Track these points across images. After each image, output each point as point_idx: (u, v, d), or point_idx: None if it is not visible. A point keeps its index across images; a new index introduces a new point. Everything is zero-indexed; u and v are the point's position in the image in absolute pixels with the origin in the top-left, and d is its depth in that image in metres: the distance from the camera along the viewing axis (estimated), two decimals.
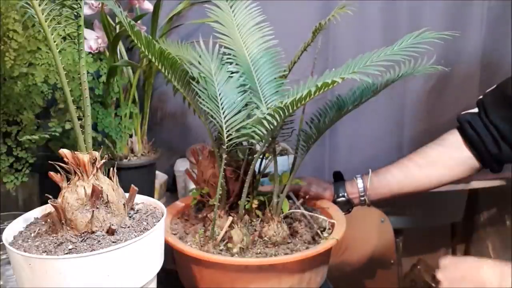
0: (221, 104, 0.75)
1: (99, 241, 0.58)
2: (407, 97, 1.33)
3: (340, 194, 1.01)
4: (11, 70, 0.82)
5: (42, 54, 0.85)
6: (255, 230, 0.82)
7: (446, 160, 0.98)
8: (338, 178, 1.05)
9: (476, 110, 0.96)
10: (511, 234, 1.47)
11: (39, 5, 0.57)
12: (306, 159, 0.84)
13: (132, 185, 0.65)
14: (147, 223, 0.63)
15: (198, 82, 0.77)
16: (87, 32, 0.93)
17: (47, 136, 0.84)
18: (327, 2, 1.19)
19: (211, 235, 0.78)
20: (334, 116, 0.82)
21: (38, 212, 0.66)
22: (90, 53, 0.93)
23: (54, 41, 0.58)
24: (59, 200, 0.59)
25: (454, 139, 0.98)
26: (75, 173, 0.60)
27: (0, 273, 0.79)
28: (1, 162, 0.84)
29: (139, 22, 1.00)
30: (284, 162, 0.95)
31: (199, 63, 0.78)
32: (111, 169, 0.64)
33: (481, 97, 0.96)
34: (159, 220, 0.64)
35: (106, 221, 0.60)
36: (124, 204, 0.63)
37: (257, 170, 0.85)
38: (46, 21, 0.58)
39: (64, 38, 0.70)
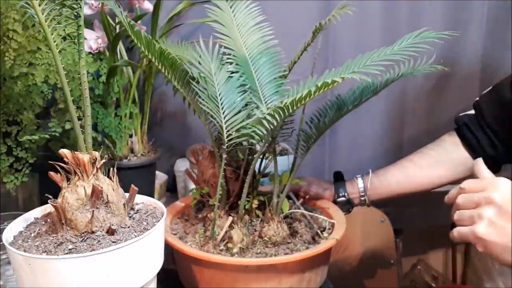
0: (221, 104, 0.75)
1: (99, 241, 0.58)
2: (407, 97, 1.33)
3: (341, 194, 1.01)
4: (11, 70, 0.82)
5: (42, 54, 0.85)
6: (255, 230, 0.82)
7: (445, 161, 0.98)
8: (339, 178, 1.05)
9: (472, 112, 0.96)
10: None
11: (39, 5, 0.57)
12: (306, 159, 0.83)
13: (132, 185, 0.65)
14: (147, 223, 0.63)
15: (198, 82, 0.77)
16: (87, 32, 0.93)
17: (47, 136, 0.84)
18: (327, 2, 1.19)
19: (211, 235, 0.78)
20: (334, 116, 0.82)
21: (38, 212, 0.66)
22: (90, 53, 0.93)
23: (54, 41, 0.58)
24: (59, 200, 0.59)
25: (453, 140, 0.98)
26: (75, 173, 0.60)
27: (0, 273, 0.79)
28: (1, 162, 0.84)
29: (139, 22, 1.00)
30: (284, 162, 0.95)
31: (199, 63, 0.78)
32: (111, 169, 0.63)
33: (477, 99, 0.96)
34: (159, 220, 0.64)
35: (106, 221, 0.60)
36: (124, 204, 0.63)
37: (257, 170, 0.85)
38: (46, 21, 0.57)
39: (64, 38, 0.70)
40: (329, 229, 0.83)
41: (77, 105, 0.68)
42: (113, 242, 0.58)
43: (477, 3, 1.29)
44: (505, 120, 0.90)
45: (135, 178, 0.99)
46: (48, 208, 0.65)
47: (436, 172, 0.99)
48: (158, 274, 0.64)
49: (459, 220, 0.69)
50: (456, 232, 0.69)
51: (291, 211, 0.85)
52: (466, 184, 0.70)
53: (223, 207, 0.81)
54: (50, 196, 0.59)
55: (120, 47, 1.01)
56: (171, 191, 1.23)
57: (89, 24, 0.96)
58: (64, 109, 0.89)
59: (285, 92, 0.78)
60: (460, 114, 0.98)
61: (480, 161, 0.73)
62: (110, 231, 0.59)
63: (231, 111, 0.75)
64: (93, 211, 0.59)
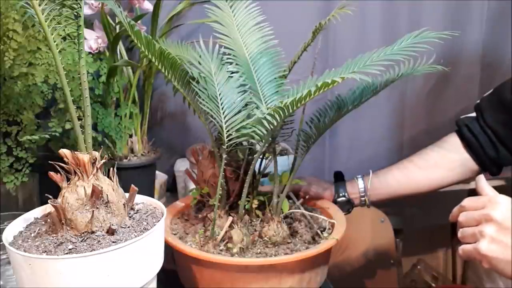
0: (221, 104, 0.75)
1: (99, 241, 0.58)
2: (407, 97, 1.33)
3: (341, 194, 1.01)
4: (11, 70, 0.82)
5: (42, 54, 0.85)
6: (255, 230, 0.82)
7: (446, 162, 0.98)
8: (339, 178, 1.05)
9: (474, 114, 0.96)
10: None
11: (39, 5, 0.57)
12: (306, 159, 0.83)
13: (132, 185, 0.65)
14: (147, 223, 0.63)
15: (198, 82, 0.77)
16: (87, 32, 0.93)
17: (47, 136, 0.84)
18: (327, 2, 1.19)
19: (211, 235, 0.78)
20: (334, 116, 0.82)
21: (38, 212, 0.66)
22: (90, 53, 0.93)
23: (54, 41, 0.58)
24: (59, 200, 0.59)
25: (454, 141, 0.98)
26: (75, 173, 0.60)
27: (0, 273, 0.79)
28: (1, 162, 0.84)
29: (139, 22, 1.00)
30: (284, 162, 0.95)
31: (199, 63, 0.78)
32: (111, 169, 0.63)
33: (478, 101, 0.97)
34: (159, 220, 0.64)
35: (106, 221, 0.60)
36: (124, 204, 0.63)
37: (257, 170, 0.85)
38: (46, 21, 0.57)
39: (64, 38, 0.70)
40: (329, 229, 0.83)
41: (77, 105, 0.68)
42: (113, 242, 0.58)
43: (477, 2, 1.29)
44: (506, 121, 0.91)
45: (135, 178, 0.99)
46: (48, 208, 0.65)
47: (437, 173, 0.99)
48: (158, 274, 0.64)
49: (463, 238, 0.71)
50: (461, 250, 0.71)
51: (291, 211, 0.85)
52: (466, 202, 0.72)
53: (223, 207, 0.81)
54: (50, 196, 0.59)
55: (120, 47, 1.01)
56: (171, 191, 1.23)
57: (89, 24, 0.96)
58: (64, 109, 0.89)
59: (285, 92, 0.78)
60: (461, 117, 0.98)
61: (482, 178, 0.74)
62: (110, 231, 0.59)
63: (231, 111, 0.75)
64: (93, 211, 0.59)
